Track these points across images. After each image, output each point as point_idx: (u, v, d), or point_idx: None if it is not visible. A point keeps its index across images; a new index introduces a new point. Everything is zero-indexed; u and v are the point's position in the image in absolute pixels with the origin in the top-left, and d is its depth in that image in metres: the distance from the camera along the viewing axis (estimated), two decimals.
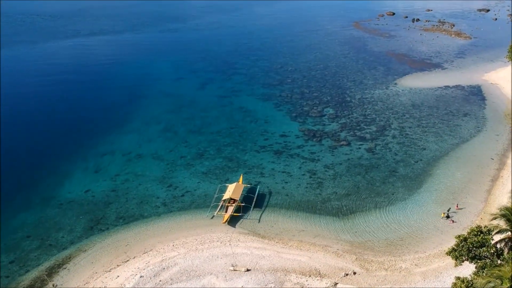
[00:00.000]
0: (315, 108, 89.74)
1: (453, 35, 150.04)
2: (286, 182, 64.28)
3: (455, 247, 38.45)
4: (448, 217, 56.31)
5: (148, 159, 71.23)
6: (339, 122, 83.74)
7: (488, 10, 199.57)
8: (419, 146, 74.96)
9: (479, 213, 57.32)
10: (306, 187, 63.17)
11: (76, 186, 64.19)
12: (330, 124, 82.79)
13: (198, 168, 68.35)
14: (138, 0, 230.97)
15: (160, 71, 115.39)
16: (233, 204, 57.42)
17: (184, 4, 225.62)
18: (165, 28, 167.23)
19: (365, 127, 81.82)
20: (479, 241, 37.51)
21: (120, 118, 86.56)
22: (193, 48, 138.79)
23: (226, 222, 54.88)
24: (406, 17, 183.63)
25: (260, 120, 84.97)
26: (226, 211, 56.73)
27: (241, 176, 63.77)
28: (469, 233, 38.72)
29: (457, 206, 58.47)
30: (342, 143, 75.42)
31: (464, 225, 54.55)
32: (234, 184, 60.19)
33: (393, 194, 61.70)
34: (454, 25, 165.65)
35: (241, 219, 56.32)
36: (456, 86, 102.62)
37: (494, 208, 53.66)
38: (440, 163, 69.79)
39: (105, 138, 78.12)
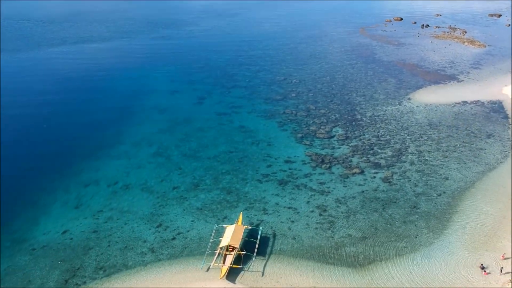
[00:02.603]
0: (322, 127, 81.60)
1: (466, 43, 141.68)
2: (293, 221, 56.15)
3: None
4: (483, 268, 48.16)
5: (136, 190, 63.10)
6: (350, 144, 75.63)
7: (500, 15, 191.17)
8: (440, 175, 66.77)
9: None
10: (316, 228, 55.02)
11: (53, 225, 56.19)
12: (340, 147, 74.68)
13: (193, 202, 60.24)
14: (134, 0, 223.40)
15: (154, 83, 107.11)
16: (232, 253, 49.29)
17: (180, 9, 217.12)
18: (159, 34, 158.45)
19: (379, 150, 73.69)
20: None
21: (108, 139, 78.30)
22: (189, 56, 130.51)
23: (224, 277, 46.72)
24: (415, 22, 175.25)
25: (262, 142, 76.88)
26: (223, 262, 48.61)
27: (241, 215, 55.63)
28: None
29: (503, 256, 50.04)
30: (354, 171, 67.29)
31: (503, 279, 46.43)
32: (233, 226, 52.04)
33: (416, 237, 53.52)
34: (466, 32, 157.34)
35: (242, 272, 48.20)
36: (475, 102, 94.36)
37: None
38: (466, 196, 61.61)
39: (90, 164, 69.97)
